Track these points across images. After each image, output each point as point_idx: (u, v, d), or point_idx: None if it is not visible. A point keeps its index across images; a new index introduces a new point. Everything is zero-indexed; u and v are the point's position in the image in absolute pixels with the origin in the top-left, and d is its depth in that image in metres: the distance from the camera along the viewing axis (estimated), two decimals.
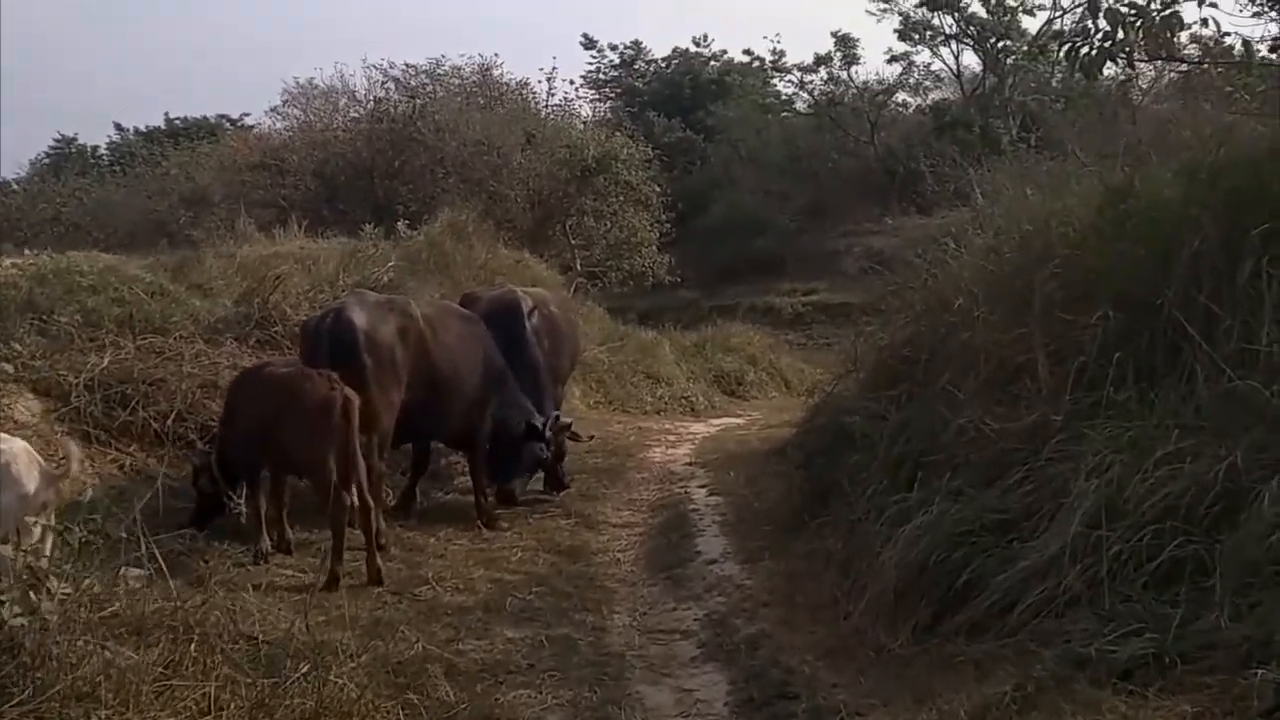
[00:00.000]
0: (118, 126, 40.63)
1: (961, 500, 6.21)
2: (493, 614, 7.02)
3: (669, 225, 28.77)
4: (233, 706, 4.68)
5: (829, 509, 7.85)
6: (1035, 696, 4.78)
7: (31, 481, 5.88)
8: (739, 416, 17.56)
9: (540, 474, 10.26)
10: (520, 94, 29.92)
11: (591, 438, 11.50)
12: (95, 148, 40.25)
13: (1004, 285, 7.18)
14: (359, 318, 8.25)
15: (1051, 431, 6.10)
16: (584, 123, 30.82)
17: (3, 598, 4.51)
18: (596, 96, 43.76)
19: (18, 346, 8.54)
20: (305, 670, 5.15)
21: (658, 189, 28.05)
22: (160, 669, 4.70)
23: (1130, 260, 6.48)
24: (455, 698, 5.53)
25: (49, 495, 5.99)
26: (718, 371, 21.09)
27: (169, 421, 8.53)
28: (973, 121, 35.22)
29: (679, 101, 42.49)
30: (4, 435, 6.30)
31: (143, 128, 39.29)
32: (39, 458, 6.12)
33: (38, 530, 5.60)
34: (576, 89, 37.61)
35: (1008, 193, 8.42)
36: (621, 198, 27.13)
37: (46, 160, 38.77)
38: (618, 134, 28.25)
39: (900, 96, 41.37)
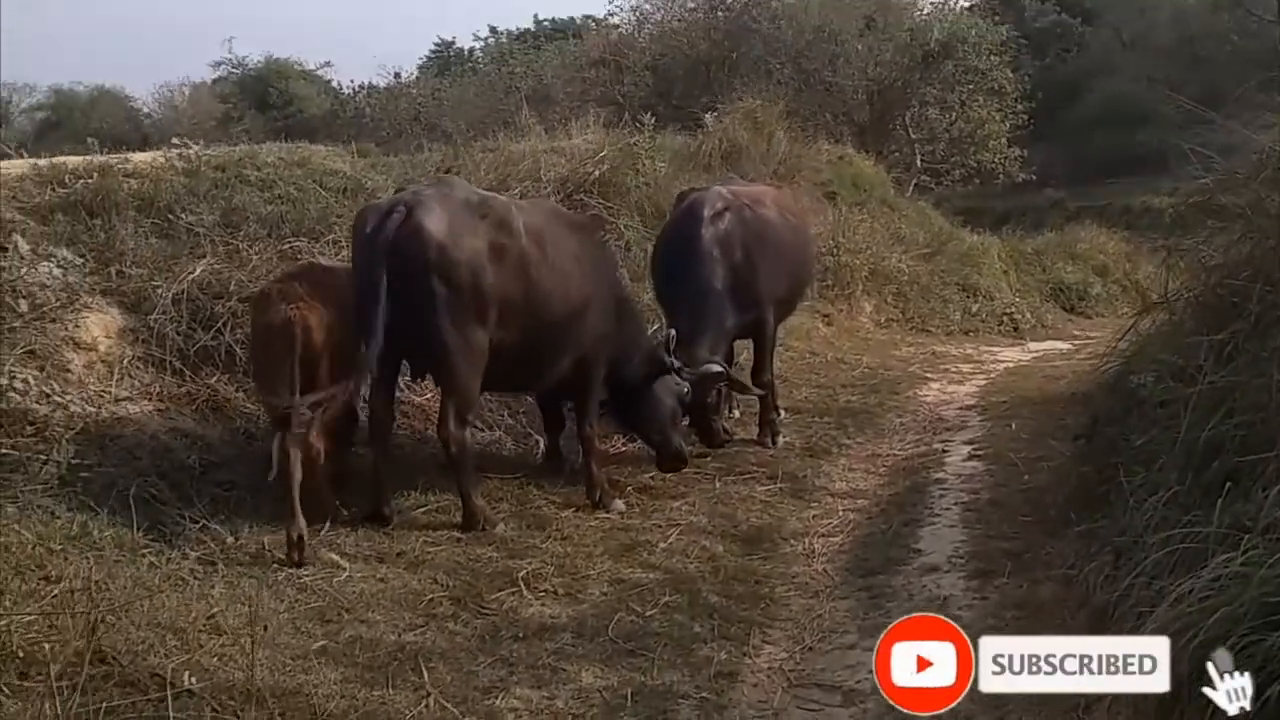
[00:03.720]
0: (491, 29, 40.83)
1: None
2: (583, 640, 4.99)
3: (1026, 117, 25.43)
4: None
5: (1105, 509, 5.31)
6: None
7: None
8: (1069, 340, 14.57)
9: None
10: None
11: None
12: (472, 50, 40.61)
13: None
14: (435, 222, 6.02)
15: None
16: (931, 3, 27.59)
17: None
18: None
19: (78, 251, 7.06)
20: None
21: (1011, 75, 24.75)
22: None
23: None
24: None
25: None
26: (1056, 283, 18.05)
27: None
28: None
29: None
30: None
31: (514, 30, 39.13)
32: None
33: None
34: None
35: None
36: (970, 86, 24.40)
37: (429, 63, 39.49)
38: (966, 14, 25.17)
39: None
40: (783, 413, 8.67)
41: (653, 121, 15.11)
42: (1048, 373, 11.06)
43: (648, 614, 5.29)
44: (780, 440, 8.19)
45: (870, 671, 4.69)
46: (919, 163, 24.48)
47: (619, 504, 6.75)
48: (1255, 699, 3.36)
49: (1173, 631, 3.63)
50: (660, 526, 6.46)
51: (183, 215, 7.81)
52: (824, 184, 16.88)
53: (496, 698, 4.43)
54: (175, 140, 9.18)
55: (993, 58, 24.19)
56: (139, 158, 8.92)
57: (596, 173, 10.78)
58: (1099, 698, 4.08)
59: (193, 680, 4.12)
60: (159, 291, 6.99)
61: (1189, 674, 3.52)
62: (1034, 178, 27.10)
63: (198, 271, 7.12)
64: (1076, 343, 14.00)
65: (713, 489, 7.17)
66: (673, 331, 7.25)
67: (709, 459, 7.73)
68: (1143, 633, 3.84)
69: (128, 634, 4.32)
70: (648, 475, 7.35)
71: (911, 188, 22.74)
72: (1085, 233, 20.25)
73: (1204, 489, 4.34)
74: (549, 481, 7.06)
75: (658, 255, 8.32)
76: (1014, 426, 8.46)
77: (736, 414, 8.91)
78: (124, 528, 5.30)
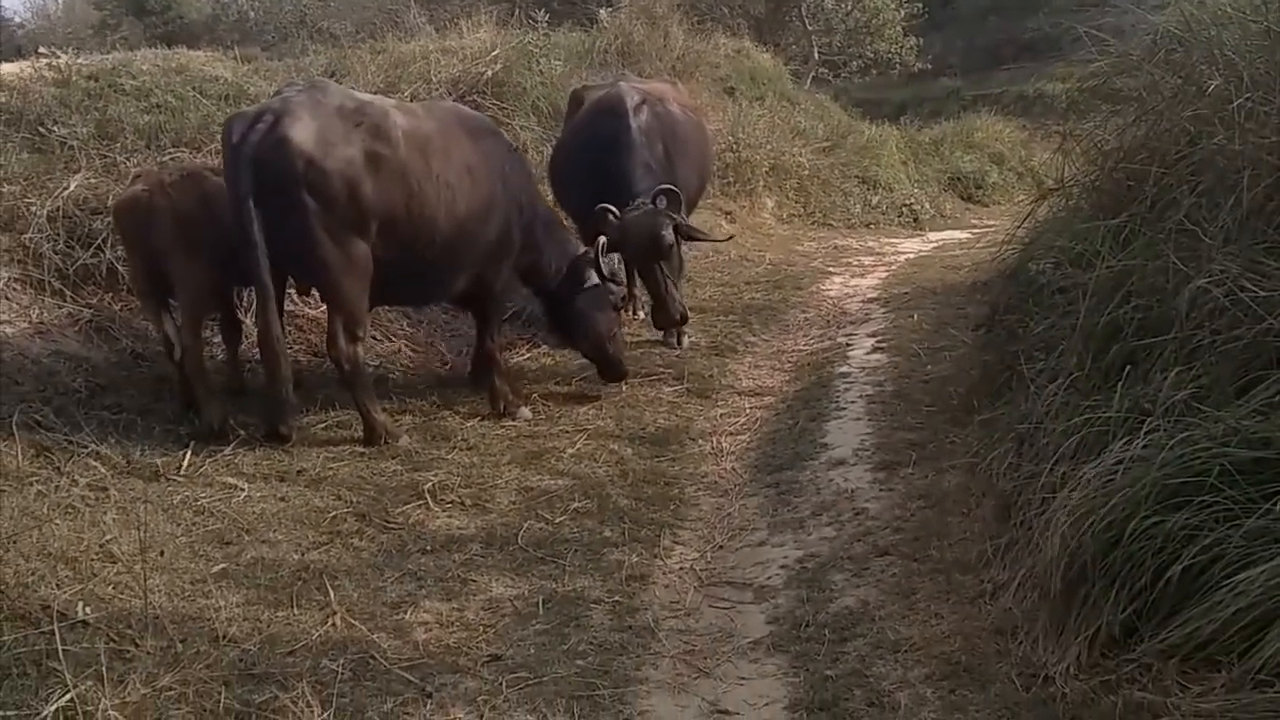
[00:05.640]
0: None
1: (1192, 418, 3.68)
2: (492, 550, 4.93)
3: (921, 5, 25.38)
4: None
5: (1007, 397, 5.34)
6: None
7: None
8: (968, 229, 14.68)
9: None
10: None
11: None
12: None
13: None
14: (302, 132, 5.60)
15: None
16: None
17: None
18: None
19: None
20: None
21: None
22: None
23: None
24: None
25: None
26: (954, 173, 18.14)
27: None
28: None
29: None
30: None
31: None
32: None
33: None
34: None
35: None
36: None
37: None
38: None
39: None
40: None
41: (546, 19, 14.82)
42: (948, 263, 11.11)
43: (557, 521, 5.24)
44: (685, 340, 8.13)
45: (784, 565, 4.77)
46: (816, 55, 24.44)
47: (525, 411, 6.65)
48: (1156, 583, 3.43)
49: (1077, 516, 3.67)
50: (568, 432, 6.39)
51: (55, 128, 7.49)
52: (722, 79, 16.72)
53: (405, 612, 4.36)
54: (43, 50, 8.74)
55: None
56: (5, 69, 8.51)
57: (489, 73, 10.50)
58: (1006, 582, 4.16)
59: (87, 610, 3.99)
60: (33, 209, 6.66)
61: (1094, 555, 3.57)
62: (930, 67, 27.12)
63: (73, 187, 6.80)
64: (975, 231, 14.10)
65: (619, 392, 7.11)
66: (602, 240, 6.97)
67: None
68: (1047, 519, 3.89)
69: (16, 566, 4.17)
70: (553, 382, 7.26)
71: (809, 80, 22.69)
72: (981, 121, 20.33)
73: (1104, 373, 4.38)
74: (453, 391, 6.93)
75: (571, 152, 8.07)
76: (916, 318, 8.49)
77: (642, 315, 8.84)
78: (8, 456, 5.06)
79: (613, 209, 7.09)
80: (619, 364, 7.15)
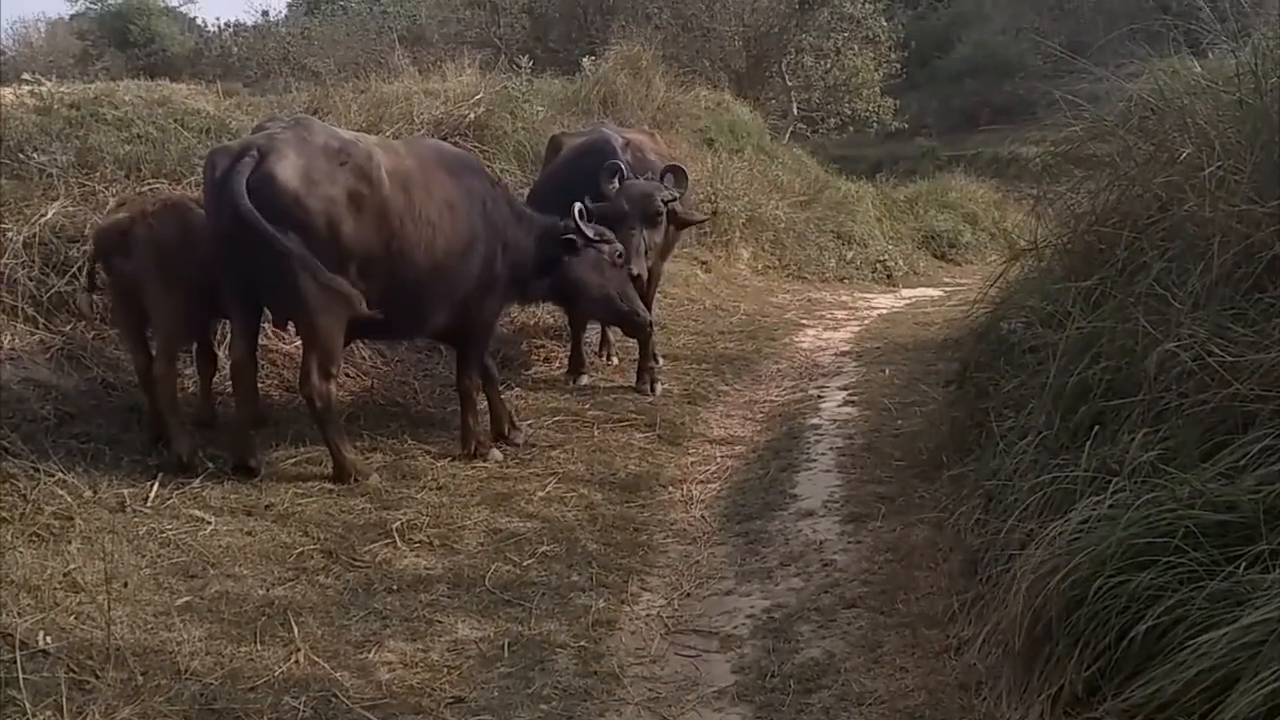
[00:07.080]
0: None
1: (1158, 480, 3.69)
2: (459, 592, 4.91)
3: (899, 66, 25.80)
4: None
5: (976, 453, 5.38)
6: None
7: None
8: (941, 287, 14.81)
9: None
10: None
11: None
12: None
13: (1261, 126, 4.42)
14: (287, 169, 5.57)
15: None
16: None
17: None
18: None
19: None
20: None
21: (885, 24, 25.06)
22: None
23: None
24: None
25: None
26: (928, 231, 18.31)
27: None
28: None
29: None
30: None
31: None
32: None
33: None
34: None
35: None
36: (845, 34, 24.59)
37: (299, 1, 37.97)
38: None
39: None
40: (661, 360, 8.63)
41: (529, 65, 14.89)
42: (920, 319, 11.21)
43: (525, 563, 5.22)
44: (658, 388, 8.15)
45: (750, 615, 4.77)
46: (795, 110, 24.73)
47: (496, 453, 6.64)
48: (1119, 643, 3.45)
49: (1042, 573, 3.69)
50: (538, 475, 6.38)
51: (34, 155, 7.45)
52: (702, 130, 16.85)
53: (369, 651, 4.33)
54: (26, 77, 8.75)
55: (867, 6, 24.56)
56: None
57: (472, 115, 10.56)
58: (971, 638, 4.17)
59: (48, 639, 3.97)
60: (9, 235, 6.62)
61: (1059, 613, 3.59)
62: (906, 126, 27.59)
63: (50, 214, 6.77)
64: (948, 289, 14.23)
65: (591, 437, 7.11)
66: (579, 206, 7.01)
67: (588, 407, 7.64)
68: (1013, 574, 3.91)
69: None
70: (525, 424, 7.25)
71: (788, 135, 22.94)
72: (956, 181, 20.58)
73: (1072, 432, 4.42)
74: (424, 430, 6.92)
75: (550, 191, 8.00)
76: (888, 372, 8.55)
77: (615, 360, 8.89)
78: None
79: (623, 164, 7.46)
80: (638, 315, 7.33)
